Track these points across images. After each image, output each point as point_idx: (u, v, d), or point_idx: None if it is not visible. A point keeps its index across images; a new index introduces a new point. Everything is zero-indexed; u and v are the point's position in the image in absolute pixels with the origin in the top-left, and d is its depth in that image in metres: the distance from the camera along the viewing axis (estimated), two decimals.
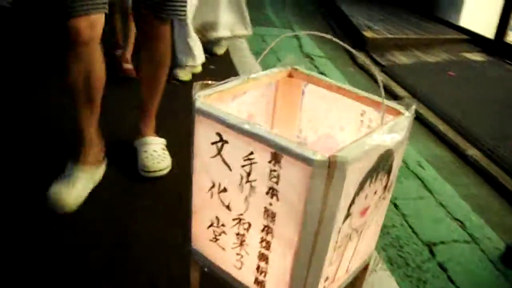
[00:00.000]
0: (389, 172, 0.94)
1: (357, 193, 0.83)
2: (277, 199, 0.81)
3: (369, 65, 0.86)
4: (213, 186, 0.93)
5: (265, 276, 0.91)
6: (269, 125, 1.18)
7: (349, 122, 1.08)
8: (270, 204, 0.83)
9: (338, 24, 5.31)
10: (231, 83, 0.99)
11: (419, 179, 2.42)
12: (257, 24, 4.78)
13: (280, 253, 0.86)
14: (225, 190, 0.91)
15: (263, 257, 0.90)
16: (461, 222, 2.11)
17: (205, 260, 1.04)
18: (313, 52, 4.43)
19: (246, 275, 0.95)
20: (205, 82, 0.93)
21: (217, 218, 0.95)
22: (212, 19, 1.93)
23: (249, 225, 0.89)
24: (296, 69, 1.13)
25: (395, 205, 2.15)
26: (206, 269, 1.04)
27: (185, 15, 1.78)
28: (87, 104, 1.64)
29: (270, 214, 0.84)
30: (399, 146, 0.91)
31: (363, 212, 0.91)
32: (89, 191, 1.71)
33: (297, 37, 4.72)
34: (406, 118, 0.92)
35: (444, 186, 2.39)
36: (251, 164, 0.83)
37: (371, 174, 0.85)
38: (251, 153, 0.82)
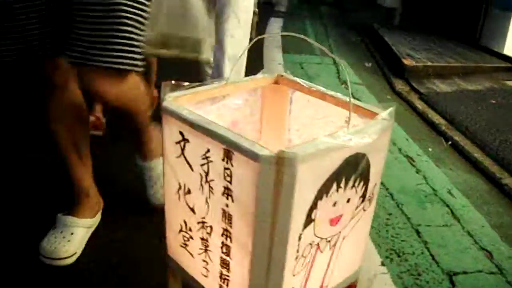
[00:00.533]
0: (365, 179, 0.88)
1: (319, 197, 0.78)
2: (232, 200, 0.78)
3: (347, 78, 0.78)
4: (180, 188, 0.90)
5: (227, 284, 0.87)
6: (257, 134, 1.15)
7: (335, 129, 1.04)
8: (227, 206, 0.79)
9: (380, 54, 5.25)
10: (206, 86, 0.97)
11: (447, 206, 2.29)
12: (298, 52, 4.79)
13: (239, 259, 0.82)
14: (189, 192, 0.88)
15: (224, 264, 0.85)
16: (488, 251, 1.97)
17: (178, 267, 1.00)
18: (351, 79, 4.37)
19: (211, 284, 0.91)
20: (175, 83, 0.91)
21: (184, 222, 0.92)
22: (165, 31, 1.50)
23: (211, 228, 0.86)
24: (282, 76, 1.10)
25: (417, 232, 2.04)
26: (178, 277, 1.01)
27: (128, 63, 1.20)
28: (75, 153, 1.50)
29: (227, 216, 0.80)
30: (373, 150, 0.86)
31: (334, 220, 0.86)
32: (84, 244, 1.55)
33: (335, 64, 4.68)
34: (380, 120, 0.87)
35: (473, 214, 2.25)
36: (208, 163, 0.80)
37: (337, 178, 0.80)
38: (208, 151, 0.79)
